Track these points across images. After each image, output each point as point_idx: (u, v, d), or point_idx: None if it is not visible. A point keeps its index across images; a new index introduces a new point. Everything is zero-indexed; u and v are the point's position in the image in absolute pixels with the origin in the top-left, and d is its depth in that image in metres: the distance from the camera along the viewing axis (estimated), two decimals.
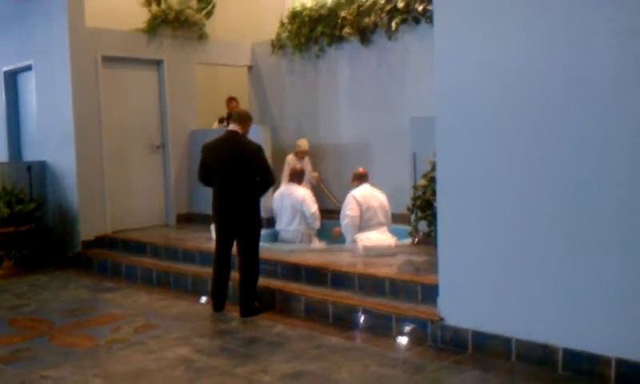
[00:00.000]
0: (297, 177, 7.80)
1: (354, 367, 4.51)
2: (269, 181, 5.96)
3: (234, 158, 5.83)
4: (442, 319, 4.86)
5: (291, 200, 7.54)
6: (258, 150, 5.90)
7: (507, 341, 4.50)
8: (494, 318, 4.59)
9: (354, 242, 6.68)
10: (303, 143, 9.05)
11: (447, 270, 4.85)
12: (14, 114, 9.98)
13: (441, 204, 4.90)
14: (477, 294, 4.68)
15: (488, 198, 4.58)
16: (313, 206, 7.47)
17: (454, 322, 4.79)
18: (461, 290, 4.78)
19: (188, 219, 9.45)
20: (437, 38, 4.82)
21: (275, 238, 7.71)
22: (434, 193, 5.90)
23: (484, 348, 4.62)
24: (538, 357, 4.34)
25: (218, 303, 5.99)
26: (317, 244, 7.60)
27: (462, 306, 4.77)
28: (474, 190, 4.64)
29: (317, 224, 7.52)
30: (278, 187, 8.14)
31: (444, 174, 4.85)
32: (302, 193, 7.59)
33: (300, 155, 8.97)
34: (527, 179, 4.35)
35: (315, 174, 9.26)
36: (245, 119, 6.06)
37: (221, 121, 10.00)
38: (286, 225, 7.58)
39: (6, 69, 9.82)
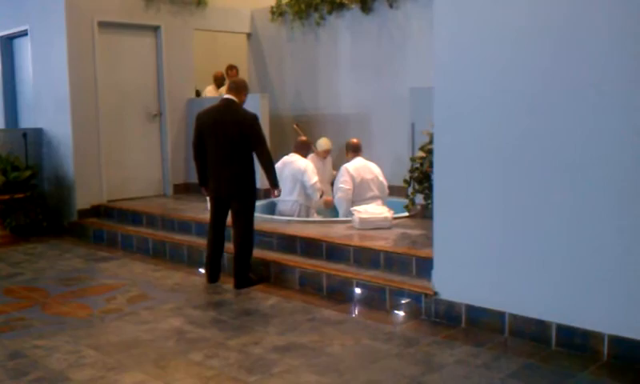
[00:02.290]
0: (301, 148, 7.65)
1: (346, 340, 4.49)
2: (264, 154, 5.82)
3: (229, 127, 5.74)
4: (435, 293, 4.83)
5: (292, 169, 7.43)
6: (253, 119, 5.81)
7: (501, 315, 4.48)
8: (487, 293, 4.56)
9: (351, 214, 6.62)
10: (325, 143, 8.21)
11: (442, 243, 4.81)
12: (10, 80, 9.90)
13: (437, 176, 4.84)
14: (471, 269, 4.65)
15: (485, 172, 4.51)
16: (313, 177, 7.34)
17: (448, 295, 4.77)
18: (455, 264, 4.74)
19: (185, 189, 9.40)
20: (437, 6, 4.71)
21: (273, 208, 7.65)
22: (431, 165, 5.84)
23: (477, 322, 4.60)
24: (532, 332, 4.32)
25: (212, 275, 5.97)
26: (315, 217, 7.52)
27: (456, 280, 4.74)
28: (471, 163, 4.58)
29: (316, 195, 7.39)
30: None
31: (441, 145, 4.78)
32: (304, 163, 7.46)
33: (322, 155, 8.17)
34: (525, 152, 4.29)
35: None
36: (241, 88, 5.95)
37: (218, 83, 9.89)
38: (284, 195, 7.44)
39: (1, 34, 9.70)
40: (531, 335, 4.33)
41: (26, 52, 9.40)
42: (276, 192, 6.07)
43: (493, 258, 4.52)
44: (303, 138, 7.90)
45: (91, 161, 8.60)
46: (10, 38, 9.75)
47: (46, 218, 8.72)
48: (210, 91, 9.97)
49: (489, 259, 4.55)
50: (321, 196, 7.48)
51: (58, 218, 8.73)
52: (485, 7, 4.46)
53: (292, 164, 7.45)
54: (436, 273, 4.85)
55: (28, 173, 8.27)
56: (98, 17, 8.60)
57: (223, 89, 9.85)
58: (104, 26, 8.69)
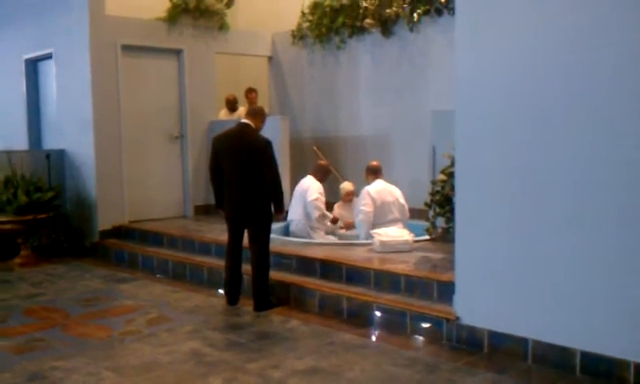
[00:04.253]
0: (318, 172, 7.64)
1: (366, 365, 4.44)
2: (271, 176, 5.81)
3: (243, 150, 5.79)
4: (457, 318, 4.77)
5: (300, 189, 7.47)
6: (266, 144, 5.84)
7: (524, 342, 4.40)
8: (510, 318, 4.49)
9: (371, 237, 6.58)
10: (348, 186, 8.01)
11: (464, 267, 4.76)
12: (35, 102, 10.03)
13: (459, 200, 4.80)
14: (493, 293, 4.58)
15: (507, 195, 4.46)
16: (313, 194, 7.30)
17: (470, 321, 4.70)
18: (477, 289, 4.68)
19: (205, 211, 9.41)
20: (458, 30, 4.71)
21: (287, 231, 7.61)
22: (452, 188, 5.81)
23: (500, 348, 4.52)
24: (556, 359, 4.24)
25: (232, 297, 5.96)
26: (324, 239, 7.41)
27: (478, 305, 4.67)
28: (493, 186, 4.53)
29: (315, 213, 7.29)
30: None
31: (462, 168, 4.75)
32: (309, 182, 7.47)
33: (347, 199, 7.93)
34: (549, 175, 4.23)
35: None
36: (258, 113, 6.05)
37: (230, 106, 9.94)
38: (292, 215, 7.45)
39: (26, 57, 9.86)
40: (555, 362, 4.24)
41: (50, 74, 9.54)
42: (280, 216, 6.09)
43: (516, 282, 4.45)
44: (323, 161, 7.88)
45: (113, 182, 8.66)
46: (35, 61, 9.90)
47: (68, 238, 8.79)
48: (223, 115, 10.01)
49: (512, 284, 4.48)
50: (334, 221, 7.46)
51: (80, 239, 8.79)
52: (506, 28, 4.43)
53: (301, 184, 7.49)
54: (458, 297, 4.79)
55: (51, 194, 8.34)
56: (121, 40, 8.71)
57: (237, 113, 9.91)
58: (127, 49, 8.80)
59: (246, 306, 5.89)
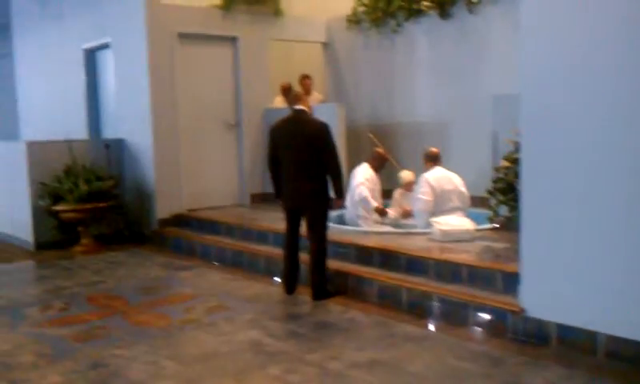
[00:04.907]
0: (374, 160, 7.51)
1: (428, 358, 4.32)
2: (332, 162, 5.74)
3: (301, 138, 5.73)
4: (523, 310, 4.59)
5: (352, 176, 7.40)
6: (324, 128, 5.76)
7: (594, 335, 4.20)
8: (580, 311, 4.28)
9: (431, 225, 6.42)
10: (408, 175, 7.68)
11: (530, 257, 4.56)
12: (94, 91, 10.20)
13: (524, 187, 4.59)
14: (562, 284, 4.38)
15: (577, 182, 4.25)
16: (359, 179, 7.22)
17: (537, 313, 4.51)
18: (544, 280, 4.48)
19: (262, 199, 9.40)
20: (524, 10, 4.49)
21: (342, 220, 7.50)
22: (516, 175, 5.60)
23: (568, 342, 4.33)
24: (629, 354, 4.03)
25: (289, 286, 5.91)
26: (374, 227, 7.25)
27: (545, 297, 4.48)
28: (561, 173, 4.32)
29: (355, 197, 7.18)
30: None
31: (529, 154, 4.53)
32: (361, 168, 7.40)
33: (408, 188, 7.59)
34: (622, 161, 4.01)
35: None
36: (300, 96, 6.02)
37: (286, 94, 9.85)
38: (346, 203, 7.29)
39: (85, 47, 10.01)
40: (628, 358, 4.03)
41: (108, 64, 9.67)
42: (339, 202, 6.00)
43: (586, 272, 4.25)
44: (379, 149, 7.72)
45: (171, 170, 8.73)
46: (93, 51, 10.04)
47: (128, 226, 8.91)
48: (278, 102, 9.93)
49: (582, 274, 4.27)
50: (380, 212, 7.28)
51: (139, 227, 8.90)
52: (574, 7, 4.21)
53: (354, 172, 7.42)
54: (524, 289, 4.60)
55: (110, 182, 8.46)
56: (177, 28, 8.73)
57: None
58: (183, 37, 8.82)
59: (304, 294, 5.83)
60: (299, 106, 5.87)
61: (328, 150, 5.73)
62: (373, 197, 7.35)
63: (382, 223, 7.43)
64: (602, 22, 4.07)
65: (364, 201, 7.21)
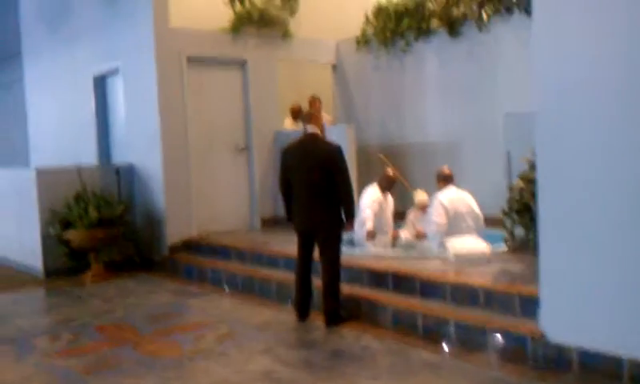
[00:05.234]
0: (382, 181, 7.37)
1: None
2: (343, 184, 5.64)
3: (313, 161, 5.65)
4: (543, 335, 4.45)
5: (361, 197, 7.31)
6: (336, 151, 5.68)
7: (618, 361, 4.06)
8: (603, 335, 4.15)
9: (444, 248, 6.30)
10: (423, 197, 7.52)
11: (549, 280, 4.43)
12: (104, 117, 10.16)
13: (543, 207, 4.46)
14: (583, 308, 4.24)
15: (597, 201, 4.12)
16: (366, 201, 7.15)
17: (557, 338, 4.37)
18: (565, 303, 4.35)
19: (273, 223, 9.31)
20: (536, 25, 4.40)
21: (351, 241, 7.36)
22: (532, 195, 5.50)
23: (591, 368, 4.19)
24: None
25: (301, 312, 5.80)
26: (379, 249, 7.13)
27: (566, 321, 4.35)
28: (581, 192, 4.20)
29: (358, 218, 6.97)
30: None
31: (546, 174, 4.42)
32: (369, 189, 7.33)
33: (422, 210, 7.46)
34: None
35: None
36: (313, 116, 5.91)
37: (295, 116, 9.79)
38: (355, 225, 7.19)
39: (95, 72, 10.01)
40: None
41: (118, 89, 9.65)
42: (350, 226, 5.89)
43: (609, 296, 4.11)
44: (390, 172, 7.60)
45: (181, 195, 8.66)
46: (104, 77, 10.04)
47: (138, 252, 8.84)
48: (288, 124, 9.89)
49: (604, 297, 4.14)
50: (369, 234, 7.08)
51: (150, 253, 8.82)
52: (590, 20, 4.11)
53: (363, 193, 7.35)
54: (544, 313, 4.47)
55: (121, 208, 8.40)
56: (186, 52, 8.71)
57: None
58: (193, 60, 8.80)
59: (317, 320, 5.71)
60: (311, 128, 5.80)
61: (340, 173, 5.64)
62: (383, 218, 7.25)
63: (381, 245, 7.27)
64: (617, 33, 3.97)
65: (362, 223, 7.10)
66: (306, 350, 5.13)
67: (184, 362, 4.98)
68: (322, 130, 5.89)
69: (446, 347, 4.91)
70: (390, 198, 7.57)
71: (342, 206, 5.71)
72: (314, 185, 5.65)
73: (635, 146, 3.92)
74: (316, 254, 5.81)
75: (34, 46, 12.14)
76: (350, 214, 5.76)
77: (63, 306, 6.96)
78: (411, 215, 7.63)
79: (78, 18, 10.37)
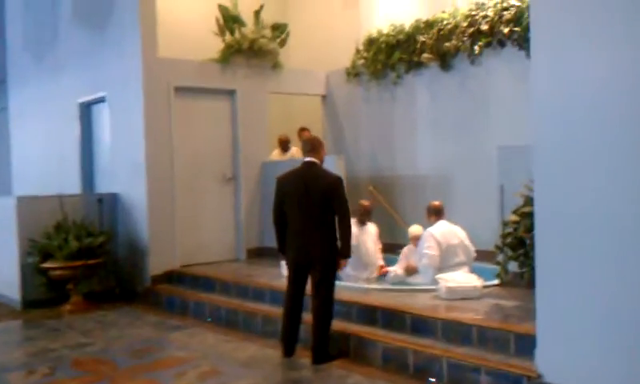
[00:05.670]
0: (357, 212, 7.15)
1: None
2: (346, 220, 5.46)
3: (313, 191, 5.43)
4: (540, 376, 4.26)
5: None
6: (338, 182, 5.50)
7: None
8: (602, 376, 3.96)
9: (436, 282, 6.12)
10: (416, 230, 7.29)
11: (547, 318, 4.26)
12: (88, 145, 9.99)
13: (539, 243, 4.30)
14: (582, 348, 4.06)
15: (596, 237, 3.97)
16: None
17: (555, 379, 4.18)
18: (563, 343, 4.17)
19: (258, 254, 9.11)
20: (534, 58, 4.29)
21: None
22: (526, 230, 5.36)
23: None
24: None
25: (288, 348, 5.56)
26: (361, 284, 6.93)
27: (564, 361, 4.16)
28: (580, 228, 4.04)
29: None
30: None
31: (544, 209, 4.26)
32: None
33: (415, 243, 7.24)
34: None
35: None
36: (318, 146, 5.65)
37: (283, 147, 9.65)
38: None
39: (80, 101, 9.85)
40: None
41: (103, 118, 9.49)
42: (345, 261, 5.71)
43: (609, 335, 3.94)
44: (364, 202, 7.43)
45: (165, 225, 8.44)
46: (89, 105, 9.88)
47: (119, 283, 8.58)
48: (275, 155, 9.73)
49: (604, 337, 3.96)
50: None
51: (132, 284, 8.57)
52: (590, 49, 4.00)
53: None
54: (540, 352, 4.28)
55: (102, 238, 8.16)
56: (174, 82, 8.58)
57: (290, 153, 9.62)
58: (180, 90, 8.67)
59: (304, 357, 5.48)
60: (310, 158, 5.58)
61: (340, 206, 5.45)
62: (361, 250, 7.08)
63: (362, 280, 7.05)
64: (618, 62, 3.86)
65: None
66: None
67: None
68: (322, 161, 5.67)
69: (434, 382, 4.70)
70: (369, 229, 7.36)
71: (341, 241, 5.51)
72: (313, 216, 5.43)
73: (636, 177, 3.78)
74: (308, 288, 5.58)
75: (19, 75, 12.00)
76: (347, 249, 5.53)
77: (40, 339, 6.68)
78: (406, 249, 7.43)
79: (65, 47, 10.26)
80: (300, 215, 5.46)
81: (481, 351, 4.84)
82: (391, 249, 7.85)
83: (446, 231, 6.60)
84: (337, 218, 5.45)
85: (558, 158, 4.16)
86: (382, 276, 7.34)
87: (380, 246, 7.58)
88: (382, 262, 7.52)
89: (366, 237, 7.29)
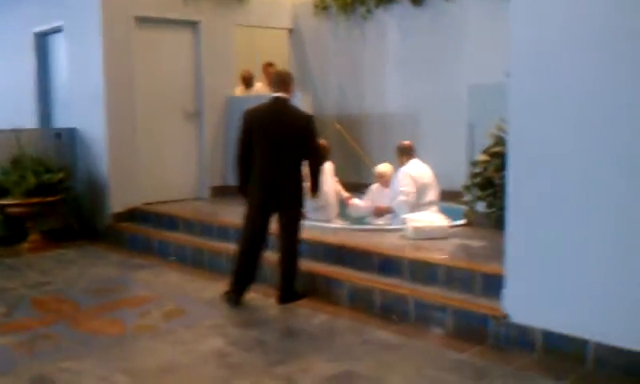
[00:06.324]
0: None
1: (407, 369, 3.99)
2: (317, 160, 5.39)
3: (284, 129, 5.25)
4: (506, 316, 4.28)
5: None
6: (309, 120, 5.36)
7: (583, 343, 3.92)
8: (568, 317, 4.00)
9: (403, 222, 6.08)
10: (385, 169, 7.16)
11: (515, 259, 4.25)
12: (44, 78, 9.59)
13: (512, 182, 4.24)
14: (550, 288, 4.08)
15: (570, 178, 3.94)
16: None
17: (521, 319, 4.21)
18: (531, 283, 4.18)
19: (222, 192, 8.93)
20: None
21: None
22: (496, 170, 5.33)
23: (555, 350, 4.05)
24: (621, 364, 3.76)
25: (241, 289, 5.34)
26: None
27: (531, 302, 4.19)
28: (553, 169, 4.00)
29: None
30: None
31: (518, 148, 4.19)
32: None
33: (384, 183, 7.10)
34: (620, 157, 3.72)
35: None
36: (288, 81, 5.39)
37: (246, 83, 9.38)
38: None
39: (36, 30, 9.41)
40: (620, 367, 3.76)
41: (60, 49, 9.09)
42: (315, 196, 5.66)
43: (575, 277, 3.96)
44: (322, 141, 7.28)
45: (126, 161, 8.21)
46: (45, 35, 9.45)
47: (80, 221, 8.38)
48: (239, 92, 9.47)
49: (570, 279, 3.98)
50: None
51: (92, 222, 8.38)
52: None
53: None
54: (508, 292, 4.29)
55: (61, 175, 7.90)
56: (134, 12, 8.21)
57: (254, 89, 9.38)
58: (141, 21, 8.31)
59: (269, 297, 5.42)
60: (280, 94, 5.32)
61: (313, 144, 5.33)
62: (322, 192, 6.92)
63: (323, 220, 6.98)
64: None
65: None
66: (259, 328, 4.84)
67: (127, 341, 4.64)
68: (291, 95, 5.45)
69: (406, 328, 4.70)
70: (327, 168, 7.07)
71: (311, 178, 5.41)
72: (286, 155, 5.26)
73: (613, 121, 3.73)
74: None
75: None
76: (316, 186, 5.48)
77: None
78: (374, 187, 7.30)
79: None
80: (268, 154, 5.25)
81: (447, 291, 4.84)
82: (357, 188, 7.77)
83: (419, 169, 6.53)
84: (308, 155, 5.33)
85: (534, 99, 4.07)
86: (346, 209, 7.27)
87: (337, 180, 7.42)
88: (346, 194, 7.42)
89: (325, 178, 7.14)
